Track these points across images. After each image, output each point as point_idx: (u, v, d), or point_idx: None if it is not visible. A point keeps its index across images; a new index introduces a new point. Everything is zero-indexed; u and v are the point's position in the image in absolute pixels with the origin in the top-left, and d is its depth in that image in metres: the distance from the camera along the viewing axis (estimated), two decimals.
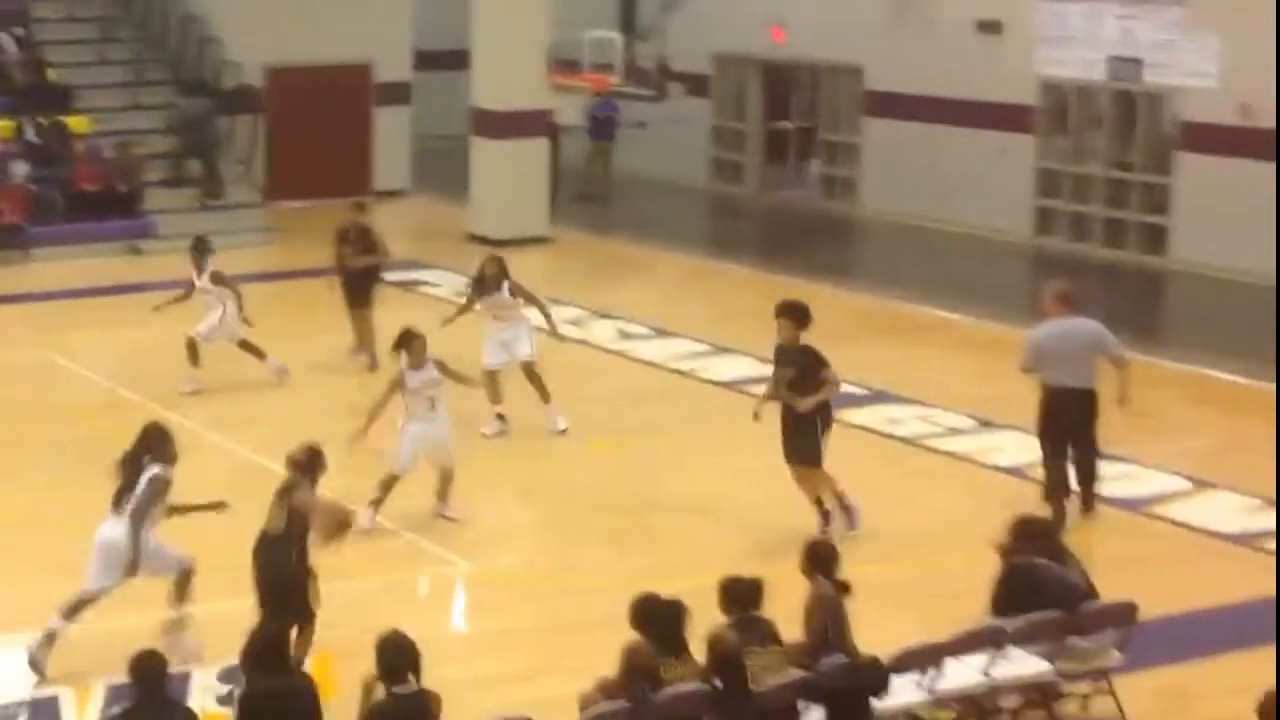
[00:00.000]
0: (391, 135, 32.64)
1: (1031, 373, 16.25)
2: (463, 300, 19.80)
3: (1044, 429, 16.25)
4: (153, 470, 13.21)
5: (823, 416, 15.54)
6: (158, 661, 9.91)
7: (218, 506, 13.60)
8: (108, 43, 31.41)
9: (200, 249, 20.32)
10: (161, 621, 13.35)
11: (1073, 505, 16.07)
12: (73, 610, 13.26)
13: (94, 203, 28.07)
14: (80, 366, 21.16)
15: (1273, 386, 20.57)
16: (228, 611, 13.50)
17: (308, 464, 13.06)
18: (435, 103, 34.46)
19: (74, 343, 22.32)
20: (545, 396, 18.73)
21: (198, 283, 20.21)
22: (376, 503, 15.77)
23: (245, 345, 20.18)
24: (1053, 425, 16.17)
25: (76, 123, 29.00)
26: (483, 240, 28.36)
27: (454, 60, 32.54)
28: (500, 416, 18.69)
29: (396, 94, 32.86)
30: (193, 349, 20.06)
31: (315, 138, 31.42)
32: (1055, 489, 16.15)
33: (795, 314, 15.70)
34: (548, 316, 19.19)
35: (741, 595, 11.19)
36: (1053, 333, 16.13)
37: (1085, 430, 16.14)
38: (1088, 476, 16.33)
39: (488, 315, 19.14)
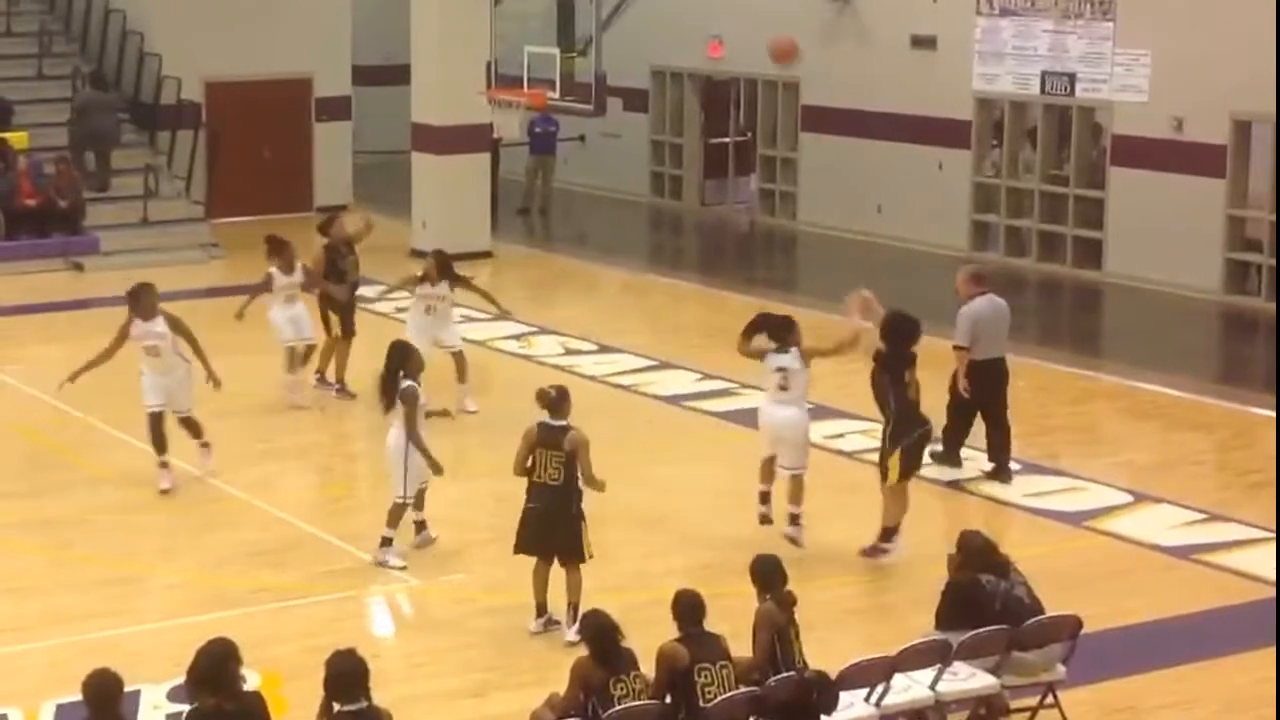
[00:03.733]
0: (332, 150, 32.63)
1: (965, 351, 17.52)
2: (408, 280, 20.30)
3: (964, 399, 17.55)
4: (404, 384, 14.97)
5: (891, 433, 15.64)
6: (111, 682, 9.86)
7: (445, 414, 15.96)
8: (46, 57, 31.35)
9: (284, 243, 20.23)
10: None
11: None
12: (395, 519, 15.29)
13: (36, 219, 28.01)
14: (24, 383, 21.10)
15: (1208, 399, 20.85)
16: (176, 628, 13.58)
17: (558, 401, 13.85)
18: (375, 118, 34.50)
19: (18, 359, 22.27)
20: (464, 378, 19.70)
21: (286, 279, 19.99)
22: None
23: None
24: (975, 393, 17.51)
25: (16, 138, 28.90)
26: (425, 255, 28.39)
27: (394, 75, 32.58)
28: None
29: (336, 108, 32.86)
30: (293, 355, 20.15)
31: (256, 152, 31.41)
32: (957, 446, 17.83)
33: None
34: (495, 301, 20.49)
35: (693, 608, 11.25)
36: (985, 309, 17.69)
37: (1002, 394, 17.74)
38: (1006, 442, 17.67)
39: (420, 307, 19.74)
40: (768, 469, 15.93)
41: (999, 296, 18.02)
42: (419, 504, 15.59)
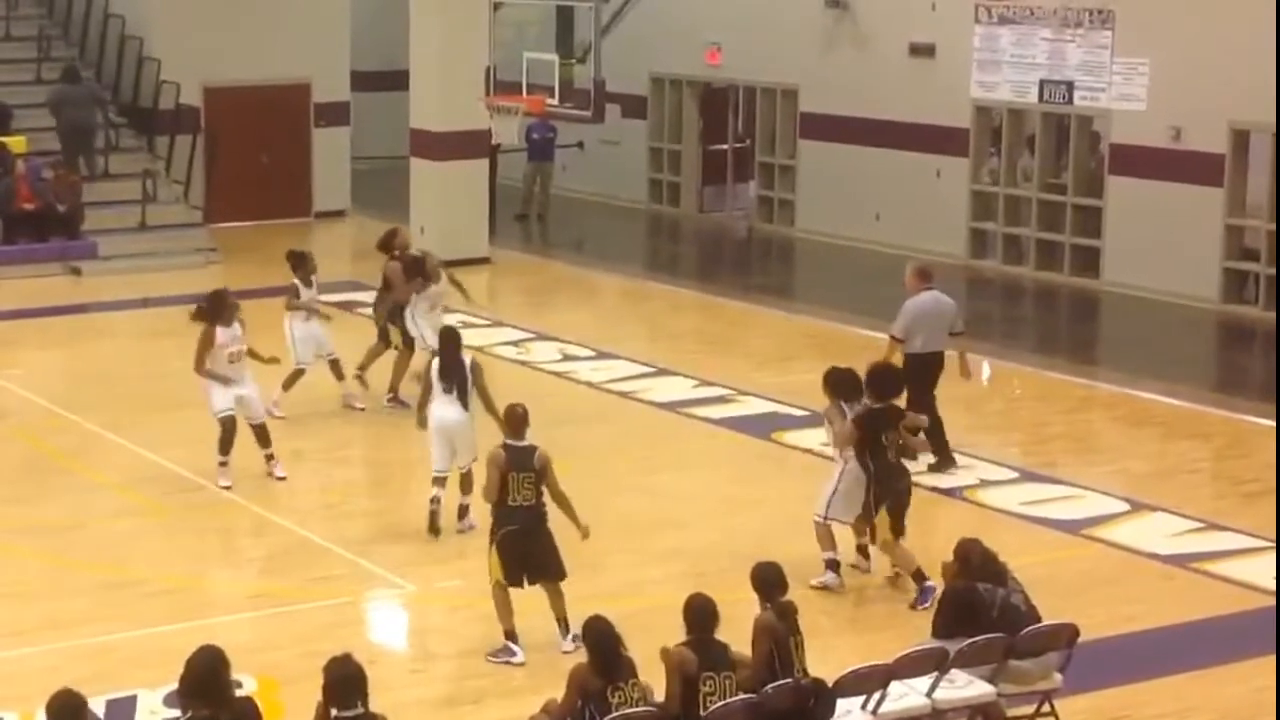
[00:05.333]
0: (330, 156, 32.63)
1: (900, 342, 17.84)
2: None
3: (919, 390, 17.65)
4: (470, 357, 16.20)
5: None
6: (76, 701, 9.74)
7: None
8: (44, 61, 31.33)
9: (305, 255, 20.15)
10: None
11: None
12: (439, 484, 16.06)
13: (34, 223, 27.97)
14: (20, 387, 21.09)
15: (1205, 408, 20.85)
16: (173, 633, 13.57)
17: (524, 421, 13.91)
18: (374, 123, 34.50)
19: (16, 364, 22.25)
20: None
21: (309, 293, 19.87)
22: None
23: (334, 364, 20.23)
24: (922, 384, 17.75)
25: (15, 142, 28.87)
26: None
27: (392, 80, 32.58)
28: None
29: (335, 114, 32.85)
30: (336, 368, 20.11)
31: (254, 158, 31.39)
32: (945, 453, 18.02)
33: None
34: (467, 293, 21.23)
35: (704, 615, 11.19)
36: (927, 303, 18.06)
37: (934, 387, 18.05)
38: (941, 431, 17.97)
39: (424, 304, 20.00)
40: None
41: (945, 295, 18.32)
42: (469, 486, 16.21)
